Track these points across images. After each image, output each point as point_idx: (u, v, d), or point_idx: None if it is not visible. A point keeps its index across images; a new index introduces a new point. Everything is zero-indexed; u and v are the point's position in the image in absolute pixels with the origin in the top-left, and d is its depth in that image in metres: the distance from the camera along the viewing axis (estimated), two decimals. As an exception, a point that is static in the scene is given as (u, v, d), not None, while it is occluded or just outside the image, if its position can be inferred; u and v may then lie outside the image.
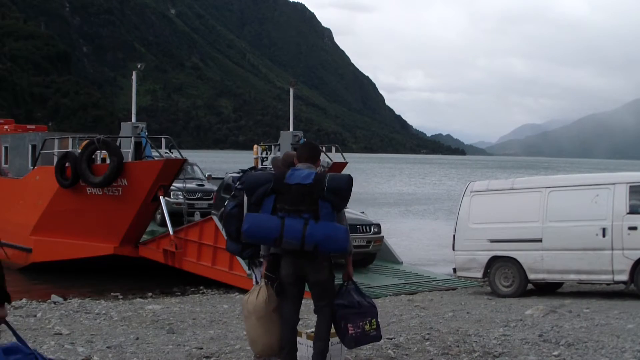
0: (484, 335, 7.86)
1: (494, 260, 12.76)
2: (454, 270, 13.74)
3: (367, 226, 15.62)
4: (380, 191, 57.61)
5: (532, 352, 7.00)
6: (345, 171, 22.53)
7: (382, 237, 16.05)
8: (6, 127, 23.70)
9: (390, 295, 13.41)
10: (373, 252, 16.02)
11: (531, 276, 12.41)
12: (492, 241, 12.77)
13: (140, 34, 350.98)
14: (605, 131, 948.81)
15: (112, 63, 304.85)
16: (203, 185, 20.85)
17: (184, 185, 19.03)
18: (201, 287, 15.28)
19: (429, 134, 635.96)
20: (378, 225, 15.83)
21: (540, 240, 12.14)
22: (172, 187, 17.77)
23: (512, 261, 12.51)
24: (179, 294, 14.86)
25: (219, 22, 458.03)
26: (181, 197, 18.87)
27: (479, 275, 13.17)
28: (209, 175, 24.04)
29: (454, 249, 13.39)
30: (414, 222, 33.67)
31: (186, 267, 15.94)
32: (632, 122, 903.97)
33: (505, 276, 12.69)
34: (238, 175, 6.13)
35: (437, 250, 24.63)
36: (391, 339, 7.60)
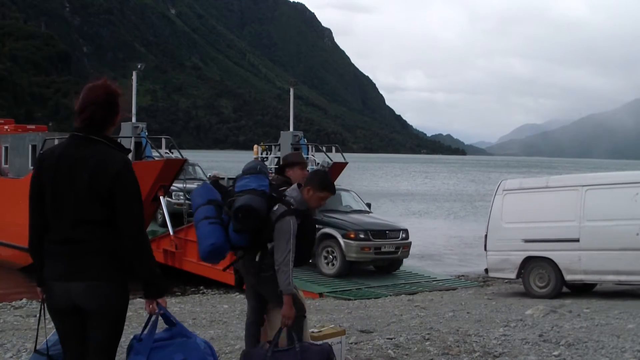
0: (484, 335, 7.86)
1: (528, 260, 12.44)
2: (486, 270, 13.41)
3: (395, 231, 15.23)
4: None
5: (532, 352, 7.00)
6: (345, 171, 22.58)
7: (410, 242, 15.61)
8: (6, 127, 23.68)
9: (390, 295, 13.41)
10: (401, 258, 15.63)
11: (567, 277, 12.08)
12: (527, 241, 12.45)
13: (140, 34, 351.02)
14: (605, 131, 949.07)
15: (112, 63, 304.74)
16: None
17: (184, 185, 19.00)
18: (201, 287, 15.28)
19: (429, 134, 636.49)
20: (406, 231, 15.43)
21: (578, 240, 11.83)
22: (173, 188, 17.74)
23: (548, 262, 12.19)
24: (179, 294, 14.85)
25: (219, 22, 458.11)
26: (182, 197, 18.85)
27: (512, 276, 12.83)
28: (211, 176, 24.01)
29: (485, 249, 13.03)
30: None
31: (186, 267, 15.94)
32: (631, 122, 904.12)
33: (541, 277, 12.38)
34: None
35: (443, 249, 24.65)
36: (391, 339, 7.60)
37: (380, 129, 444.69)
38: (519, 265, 12.55)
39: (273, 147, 23.81)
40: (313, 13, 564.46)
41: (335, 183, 16.51)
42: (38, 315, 4.01)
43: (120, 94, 3.69)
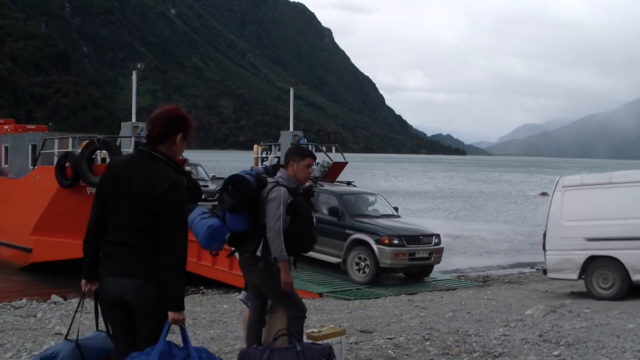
0: (484, 335, 7.86)
1: (591, 260, 11.87)
2: (544, 271, 12.87)
3: (428, 237, 14.88)
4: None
5: (532, 352, 7.00)
6: (345, 171, 22.56)
7: (442, 248, 15.26)
8: (6, 127, 23.67)
9: (390, 295, 13.40)
10: (434, 264, 15.30)
11: (635, 277, 11.48)
12: (590, 240, 11.84)
13: (140, 34, 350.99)
14: (604, 131, 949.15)
15: (112, 63, 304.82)
16: (207, 186, 20.73)
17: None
18: (201, 287, 15.28)
19: (429, 134, 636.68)
20: (438, 236, 15.11)
21: None
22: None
23: (613, 261, 11.61)
24: (179, 293, 14.83)
25: (219, 22, 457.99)
26: None
27: (574, 276, 12.22)
28: (213, 176, 24.00)
29: (544, 249, 12.49)
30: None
31: (186, 267, 15.91)
32: (631, 122, 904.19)
33: (605, 277, 11.81)
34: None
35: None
36: (391, 339, 7.60)
37: (380, 129, 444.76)
38: (581, 266, 11.98)
39: (273, 147, 23.77)
40: (313, 13, 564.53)
41: (353, 186, 16.00)
42: (77, 305, 4.58)
43: (184, 115, 4.01)
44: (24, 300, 12.78)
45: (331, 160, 22.44)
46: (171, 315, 3.79)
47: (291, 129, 23.70)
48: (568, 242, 12.09)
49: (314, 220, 5.54)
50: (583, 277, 12.17)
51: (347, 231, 14.68)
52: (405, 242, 14.24)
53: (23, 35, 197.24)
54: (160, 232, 3.78)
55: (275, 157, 23.15)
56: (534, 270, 19.77)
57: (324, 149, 23.52)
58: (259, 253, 5.31)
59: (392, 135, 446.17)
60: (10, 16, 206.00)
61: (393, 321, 9.31)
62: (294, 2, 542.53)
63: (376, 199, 16.60)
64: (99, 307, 4.17)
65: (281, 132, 23.82)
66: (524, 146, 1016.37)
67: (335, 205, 14.97)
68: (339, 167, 21.98)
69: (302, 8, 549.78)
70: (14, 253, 19.04)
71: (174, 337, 4.09)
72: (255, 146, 23.45)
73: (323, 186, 16.05)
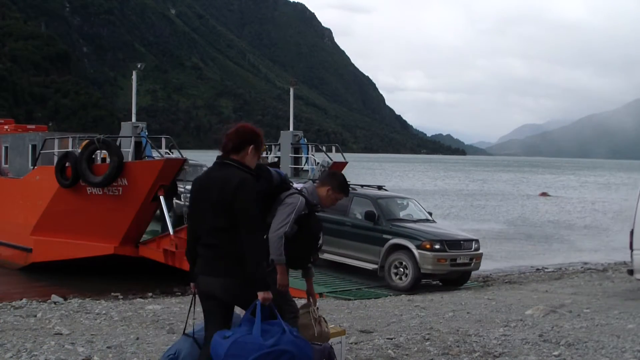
0: (484, 335, 7.86)
1: None
2: (630, 272, 12.19)
3: (468, 242, 14.58)
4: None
5: (532, 352, 7.00)
6: (345, 170, 22.57)
7: (482, 253, 14.92)
8: (6, 127, 23.68)
9: (390, 295, 13.40)
10: (474, 269, 15.05)
11: None
12: None
13: (140, 34, 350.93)
14: (604, 131, 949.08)
15: (112, 63, 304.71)
16: None
17: (185, 187, 18.89)
18: (201, 287, 15.26)
19: (429, 134, 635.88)
20: (477, 241, 14.83)
21: None
22: (181, 190, 17.74)
23: None
24: (179, 294, 14.85)
25: (219, 22, 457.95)
26: None
27: None
28: None
29: (631, 248, 11.71)
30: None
31: (186, 267, 15.91)
32: (631, 122, 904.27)
33: None
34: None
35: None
36: (391, 339, 7.60)
37: (380, 129, 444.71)
38: None
39: (273, 146, 23.79)
40: (313, 13, 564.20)
41: (384, 190, 15.89)
42: (190, 304, 5.13)
43: (255, 130, 4.62)
44: (24, 300, 12.76)
45: (331, 160, 22.46)
46: (261, 294, 4.35)
47: (291, 129, 23.71)
48: None
49: (321, 242, 5.48)
50: None
51: (385, 236, 14.30)
52: (446, 247, 13.89)
53: (23, 35, 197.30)
54: (240, 226, 4.31)
55: (275, 157, 23.16)
56: (534, 270, 19.79)
57: (324, 148, 23.54)
58: None
59: (392, 135, 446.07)
60: (10, 16, 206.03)
61: (393, 321, 9.31)
62: (294, 2, 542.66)
63: (410, 202, 16.20)
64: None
65: (281, 132, 23.84)
66: (524, 146, 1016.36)
67: (371, 210, 14.58)
68: (339, 166, 21.99)
69: (302, 8, 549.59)
70: (14, 253, 19.03)
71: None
72: (255, 146, 23.42)
73: (355, 190, 15.58)
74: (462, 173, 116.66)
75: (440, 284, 14.83)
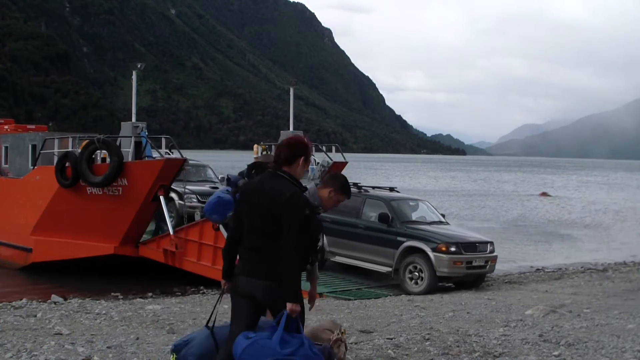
0: (484, 335, 7.86)
1: None
2: None
3: (483, 244, 14.36)
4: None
5: (532, 352, 7.00)
6: (345, 170, 22.57)
7: (497, 256, 14.74)
8: (6, 127, 23.67)
9: (390, 295, 13.40)
10: (489, 272, 14.90)
11: None
12: None
13: (140, 34, 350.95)
14: (604, 131, 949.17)
15: (112, 63, 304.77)
16: (217, 187, 20.61)
17: (185, 187, 18.88)
18: (201, 287, 15.27)
19: (429, 134, 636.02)
20: (492, 243, 14.59)
21: None
22: (186, 190, 17.73)
23: None
24: (179, 294, 14.85)
25: (219, 22, 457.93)
26: (195, 200, 18.70)
27: None
28: (223, 177, 23.90)
29: None
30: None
31: (186, 267, 15.93)
32: (631, 122, 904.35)
33: None
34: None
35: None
36: (391, 339, 7.60)
37: (380, 129, 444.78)
38: None
39: (273, 146, 23.78)
40: (313, 13, 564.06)
41: (396, 191, 15.74)
42: (216, 301, 5.44)
43: (306, 143, 4.87)
44: (24, 300, 12.77)
45: (331, 160, 22.47)
46: (289, 306, 4.52)
47: (291, 129, 23.72)
48: None
49: (320, 243, 5.44)
50: None
51: (399, 238, 14.07)
52: (462, 250, 13.69)
53: (23, 35, 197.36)
54: (283, 237, 4.52)
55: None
56: (534, 270, 19.79)
57: (324, 148, 23.54)
58: None
59: (392, 135, 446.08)
60: (10, 16, 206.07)
61: (393, 321, 9.31)
62: (294, 2, 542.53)
63: (423, 204, 15.96)
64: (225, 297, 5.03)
65: (281, 132, 23.86)
66: (524, 146, 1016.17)
67: (384, 212, 14.36)
68: (339, 166, 22.00)
69: (302, 8, 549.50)
70: (14, 253, 19.03)
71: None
72: (255, 146, 23.45)
73: (368, 192, 15.48)
74: (463, 173, 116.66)
75: (453, 286, 14.56)
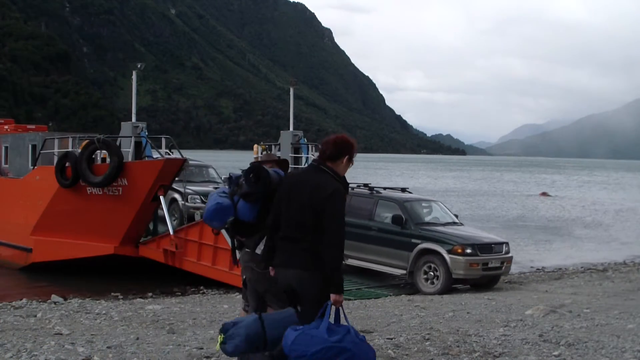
0: (484, 335, 7.86)
1: None
2: None
3: (499, 245, 14.23)
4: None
5: (532, 352, 7.00)
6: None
7: (512, 257, 14.64)
8: (6, 127, 23.66)
9: (390, 295, 13.40)
10: (505, 273, 14.81)
11: None
12: None
13: (140, 34, 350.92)
14: (604, 131, 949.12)
15: (112, 63, 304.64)
16: (219, 188, 20.52)
17: (185, 187, 18.88)
18: (201, 287, 15.27)
19: (429, 134, 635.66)
20: (507, 244, 14.50)
21: None
22: (188, 191, 17.70)
23: None
24: (179, 294, 14.85)
25: (219, 22, 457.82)
26: (199, 200, 18.68)
27: None
28: (226, 178, 23.86)
29: None
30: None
31: (186, 267, 15.93)
32: (631, 122, 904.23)
33: None
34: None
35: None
36: (391, 339, 7.61)
37: (380, 129, 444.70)
38: None
39: (273, 146, 23.77)
40: (313, 13, 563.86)
41: (408, 192, 15.53)
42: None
43: (352, 142, 5.07)
44: (24, 300, 12.77)
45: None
46: (334, 297, 4.70)
47: (291, 129, 23.69)
48: None
49: None
50: None
51: (414, 240, 13.90)
52: (478, 252, 13.54)
53: (23, 35, 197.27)
54: (322, 230, 4.67)
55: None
56: (534, 270, 19.78)
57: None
58: (258, 251, 5.33)
59: (392, 135, 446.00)
60: (10, 16, 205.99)
61: (393, 321, 9.31)
62: (294, 2, 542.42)
63: (436, 205, 15.81)
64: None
65: (281, 132, 23.81)
66: (524, 146, 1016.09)
67: (398, 214, 14.19)
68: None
69: (302, 8, 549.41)
70: (14, 253, 19.03)
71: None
72: (255, 146, 23.43)
73: (380, 193, 15.33)
74: (463, 173, 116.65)
75: (469, 287, 14.35)
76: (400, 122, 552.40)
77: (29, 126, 25.06)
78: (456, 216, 15.72)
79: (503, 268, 14.18)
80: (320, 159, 4.96)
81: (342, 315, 4.83)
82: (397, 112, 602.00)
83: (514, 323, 8.89)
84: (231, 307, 11.47)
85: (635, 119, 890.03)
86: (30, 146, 20.29)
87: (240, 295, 6.35)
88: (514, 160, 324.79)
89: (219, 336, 4.83)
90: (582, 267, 20.44)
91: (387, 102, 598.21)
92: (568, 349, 7.11)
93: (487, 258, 13.68)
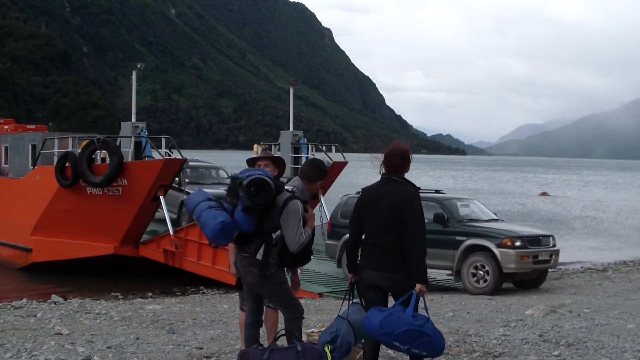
0: (484, 335, 7.86)
1: None
2: None
3: (546, 238, 13.96)
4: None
5: (532, 352, 7.00)
6: (345, 170, 22.55)
7: (559, 250, 14.36)
8: (6, 127, 23.67)
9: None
10: (553, 267, 14.59)
11: None
12: None
13: (140, 34, 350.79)
14: (604, 131, 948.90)
15: (112, 63, 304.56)
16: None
17: (185, 188, 18.87)
18: (201, 287, 15.28)
19: (429, 134, 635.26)
20: (554, 237, 14.25)
21: None
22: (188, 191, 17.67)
23: None
24: (179, 294, 14.86)
25: (219, 22, 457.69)
26: None
27: None
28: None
29: None
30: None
31: (186, 267, 15.94)
32: (631, 122, 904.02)
33: None
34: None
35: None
36: (391, 339, 7.58)
37: (380, 129, 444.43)
38: None
39: (273, 146, 23.75)
40: (313, 13, 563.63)
41: (439, 192, 15.41)
42: (346, 292, 5.77)
43: (408, 151, 5.57)
44: (24, 300, 12.78)
45: (331, 160, 22.42)
46: (418, 286, 5.22)
47: (291, 129, 23.67)
48: None
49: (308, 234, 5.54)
50: None
51: (458, 238, 13.50)
52: (527, 244, 13.24)
53: (23, 35, 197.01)
54: (407, 230, 5.19)
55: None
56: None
57: (324, 148, 23.50)
58: (259, 256, 5.34)
59: (392, 135, 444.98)
60: (10, 16, 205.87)
61: (393, 321, 9.29)
62: (294, 2, 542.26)
63: (474, 203, 15.49)
64: (353, 288, 5.67)
65: (281, 132, 23.78)
66: (524, 146, 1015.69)
67: (439, 212, 13.71)
68: (339, 167, 21.97)
69: (302, 8, 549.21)
70: (14, 253, 19.04)
71: None
72: (255, 146, 23.39)
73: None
74: (463, 172, 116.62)
75: (516, 288, 14.13)
76: (400, 122, 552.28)
77: (29, 126, 25.08)
78: (495, 214, 15.39)
79: (552, 261, 13.91)
80: (388, 170, 5.46)
81: (424, 304, 5.35)
82: (397, 112, 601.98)
83: (513, 323, 8.89)
84: (231, 307, 11.47)
85: (635, 119, 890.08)
86: (30, 146, 20.30)
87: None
88: (514, 160, 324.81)
89: (326, 346, 5.33)
90: (582, 267, 20.44)
91: (387, 102, 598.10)
92: (568, 349, 7.11)
93: (537, 250, 13.40)
